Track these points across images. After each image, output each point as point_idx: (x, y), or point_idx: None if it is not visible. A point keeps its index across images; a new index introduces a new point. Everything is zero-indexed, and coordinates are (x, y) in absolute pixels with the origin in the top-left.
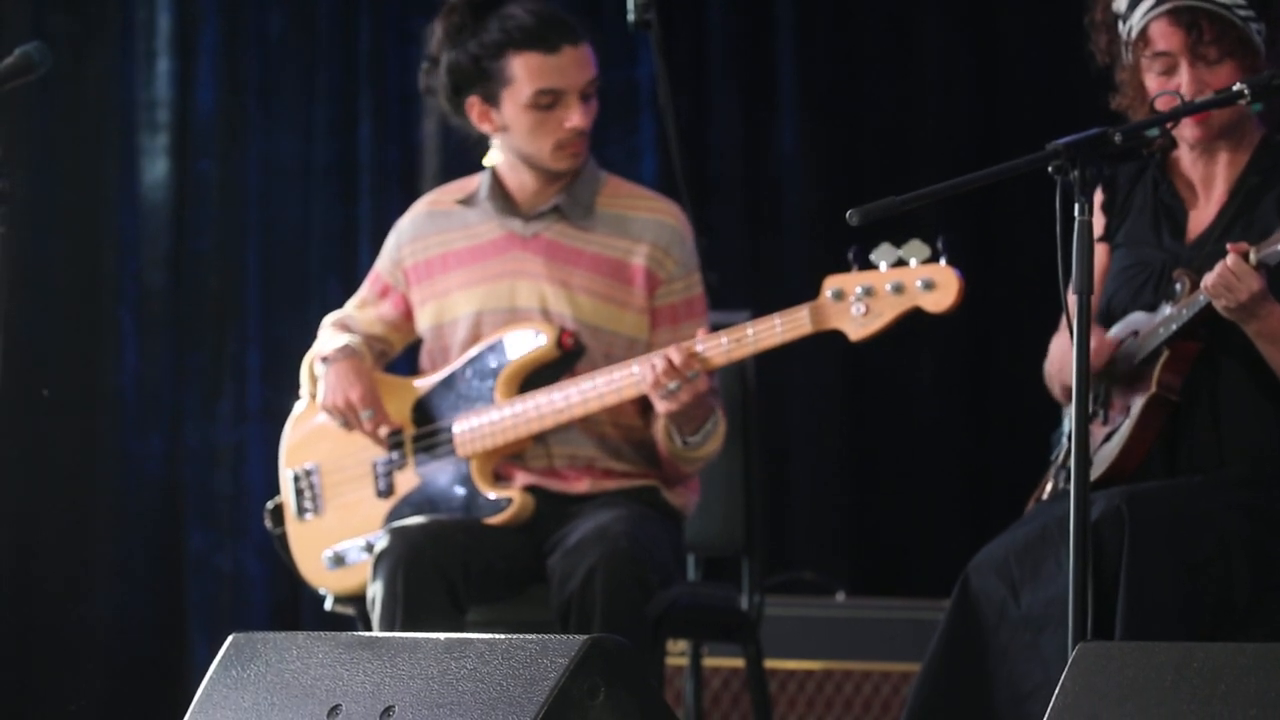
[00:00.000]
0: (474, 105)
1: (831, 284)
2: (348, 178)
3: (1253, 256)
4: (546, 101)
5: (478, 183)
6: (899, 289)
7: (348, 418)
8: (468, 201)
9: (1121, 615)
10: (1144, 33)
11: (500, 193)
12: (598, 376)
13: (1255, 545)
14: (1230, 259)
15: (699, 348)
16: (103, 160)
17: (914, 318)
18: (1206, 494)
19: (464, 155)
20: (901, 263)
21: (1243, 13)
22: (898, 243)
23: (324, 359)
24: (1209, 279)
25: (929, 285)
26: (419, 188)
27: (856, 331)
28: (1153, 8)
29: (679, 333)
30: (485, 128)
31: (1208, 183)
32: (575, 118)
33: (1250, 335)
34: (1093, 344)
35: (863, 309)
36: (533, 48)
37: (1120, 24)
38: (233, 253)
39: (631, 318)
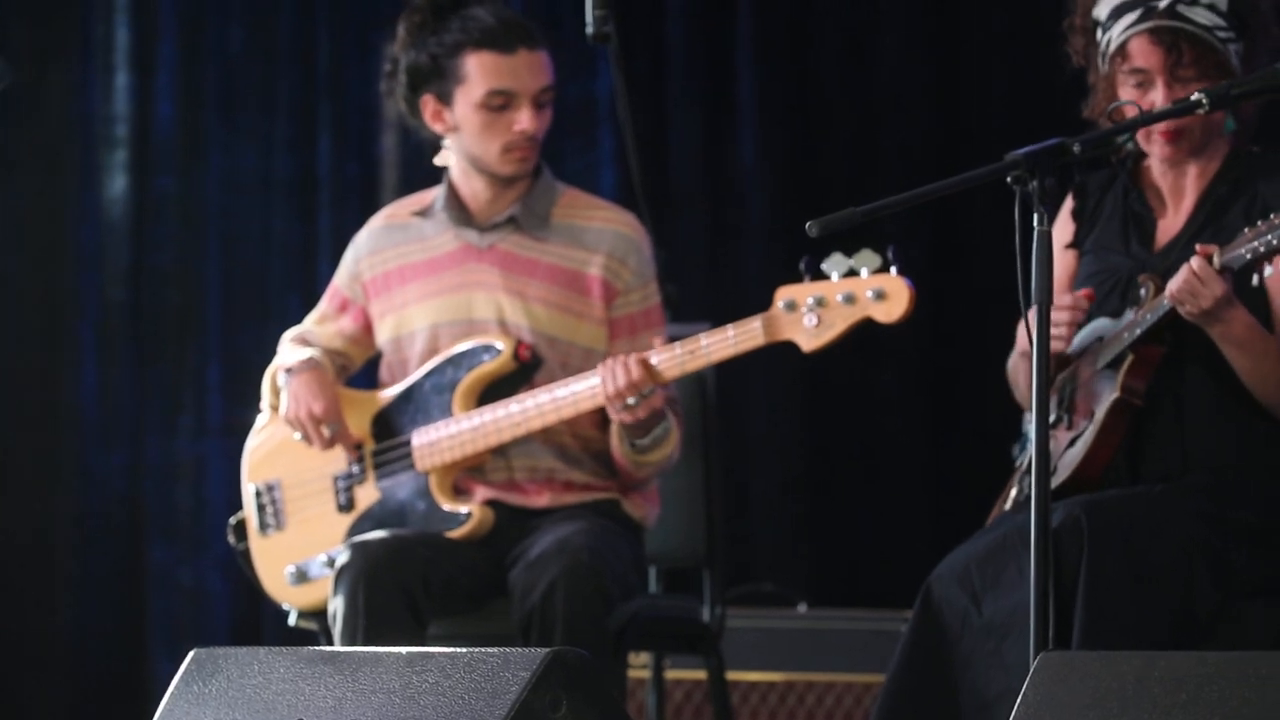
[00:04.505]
0: (428, 104)
1: (784, 295)
2: (307, 192)
3: (1216, 260)
4: (498, 103)
5: (434, 195)
6: (850, 299)
7: (309, 432)
8: (424, 214)
9: (1079, 625)
10: (1123, 47)
11: (456, 203)
12: (556, 388)
13: (1216, 554)
14: (1195, 263)
15: (653, 360)
16: (62, 175)
17: (867, 327)
18: (1167, 503)
19: (423, 169)
20: (853, 273)
21: (1222, 34)
22: (849, 253)
23: (287, 370)
24: (1173, 284)
25: (880, 295)
26: (379, 202)
27: (809, 342)
28: (1133, 24)
29: (637, 343)
30: (438, 127)
31: (1177, 192)
32: (525, 121)
33: (1214, 339)
34: (1071, 299)
35: (815, 320)
36: (489, 47)
37: (1099, 32)
38: (193, 267)
39: (589, 328)
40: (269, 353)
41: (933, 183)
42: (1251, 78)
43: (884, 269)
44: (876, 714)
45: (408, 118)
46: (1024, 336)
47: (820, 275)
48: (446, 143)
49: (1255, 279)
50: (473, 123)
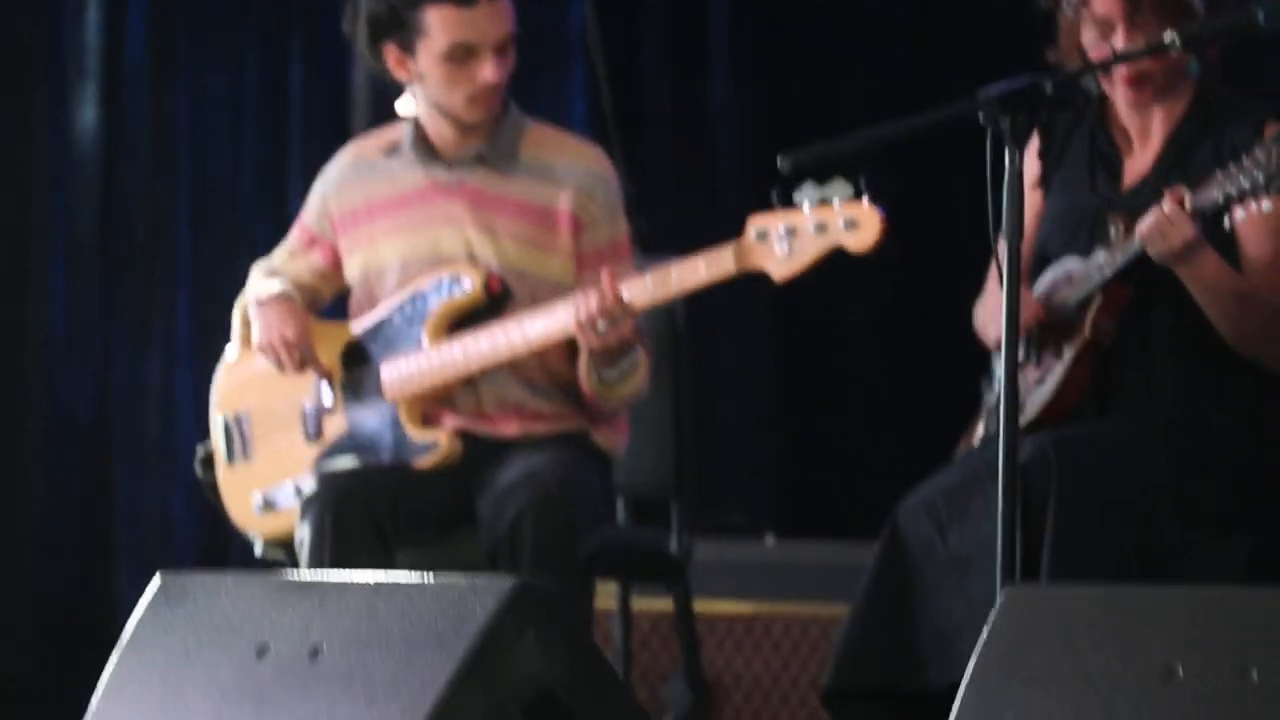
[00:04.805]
0: (390, 52)
1: (755, 224)
2: (278, 118)
3: (1188, 202)
4: (460, 55)
5: (401, 131)
6: (822, 228)
7: (281, 356)
8: (392, 151)
9: (1047, 560)
10: None
11: (423, 141)
12: (525, 321)
13: (1182, 490)
14: (1166, 205)
15: (624, 292)
16: (33, 97)
17: (838, 257)
18: (1134, 438)
19: (397, 89)
20: (824, 202)
21: None
22: (818, 180)
23: (258, 302)
24: (1143, 225)
25: (851, 224)
26: (350, 128)
27: (780, 271)
28: None
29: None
30: (401, 76)
31: (1144, 132)
32: (489, 72)
33: (1183, 280)
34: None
35: (786, 249)
36: (449, 0)
37: None
38: (163, 193)
39: (557, 263)
40: (238, 279)
41: (908, 116)
42: (1222, 19)
43: (856, 198)
44: (841, 644)
45: (370, 63)
46: (987, 297)
47: (792, 204)
48: (410, 89)
49: (1226, 222)
50: (436, 75)
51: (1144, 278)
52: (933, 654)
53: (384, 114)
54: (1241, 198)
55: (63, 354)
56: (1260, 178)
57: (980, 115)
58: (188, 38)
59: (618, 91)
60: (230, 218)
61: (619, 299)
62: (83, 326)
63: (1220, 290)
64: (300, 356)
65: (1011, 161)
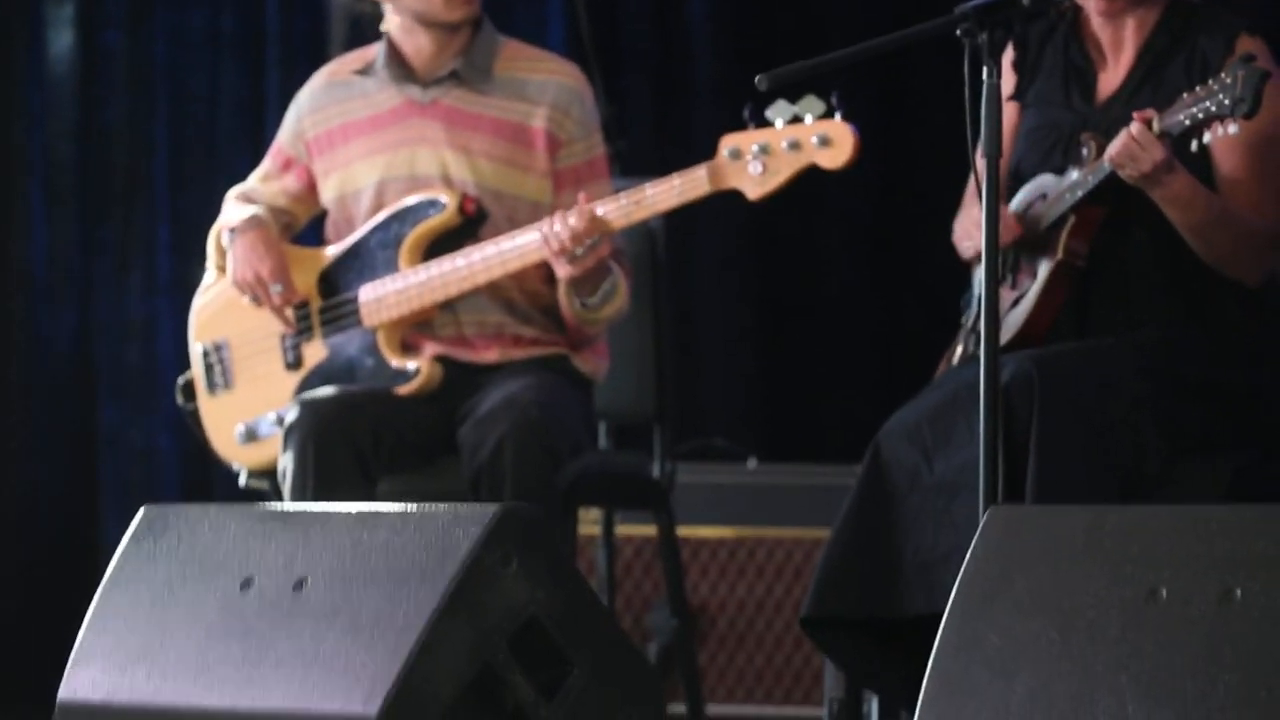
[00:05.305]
0: None
1: (728, 143)
2: (256, 49)
3: (1156, 125)
4: None
5: (375, 52)
6: (795, 146)
7: (257, 293)
8: (366, 71)
9: (1031, 481)
10: None
11: (397, 60)
12: (503, 241)
13: (1165, 411)
14: (1134, 128)
15: (599, 211)
16: (8, 32)
17: (814, 175)
18: (1117, 358)
19: (372, 26)
20: (797, 120)
21: None
22: (794, 100)
23: (232, 230)
24: (1113, 148)
25: (825, 141)
26: (327, 59)
27: (754, 190)
28: None
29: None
30: None
31: (1117, 45)
32: None
33: (1156, 200)
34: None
35: (760, 167)
36: None
37: None
38: (140, 125)
39: (534, 181)
40: (217, 210)
41: (883, 36)
42: None
43: (828, 115)
44: (822, 569)
45: None
46: (963, 215)
47: (765, 123)
48: (387, 8)
49: (1194, 144)
50: None
51: (1119, 199)
52: (917, 582)
53: (361, 43)
54: (1208, 121)
55: (43, 288)
56: (1225, 101)
57: (958, 29)
58: None
59: (595, 14)
60: (209, 151)
61: (594, 220)
62: (62, 260)
63: (1193, 210)
64: (280, 297)
65: (989, 76)
